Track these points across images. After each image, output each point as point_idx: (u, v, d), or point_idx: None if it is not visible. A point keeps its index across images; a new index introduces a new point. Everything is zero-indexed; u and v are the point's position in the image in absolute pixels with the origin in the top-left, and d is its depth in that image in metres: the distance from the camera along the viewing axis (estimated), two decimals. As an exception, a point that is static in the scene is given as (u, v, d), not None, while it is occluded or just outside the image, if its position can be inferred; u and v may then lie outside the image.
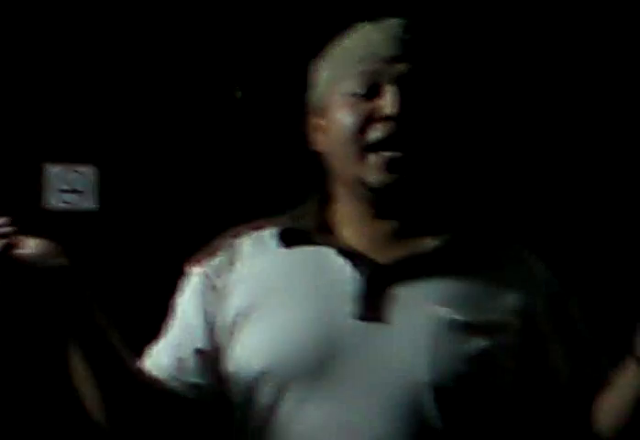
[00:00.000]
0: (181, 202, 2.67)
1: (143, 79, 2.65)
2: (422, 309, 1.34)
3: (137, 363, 1.40)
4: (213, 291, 1.41)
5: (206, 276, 1.42)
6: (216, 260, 1.43)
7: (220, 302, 1.40)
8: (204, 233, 2.60)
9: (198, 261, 1.44)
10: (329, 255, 1.39)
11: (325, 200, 1.46)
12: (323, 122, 1.42)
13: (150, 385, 1.37)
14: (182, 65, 2.67)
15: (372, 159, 1.36)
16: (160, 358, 1.41)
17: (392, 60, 1.37)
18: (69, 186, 2.61)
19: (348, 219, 1.42)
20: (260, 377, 1.33)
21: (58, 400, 2.42)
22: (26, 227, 2.50)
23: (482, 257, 1.40)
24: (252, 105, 2.65)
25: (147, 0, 2.64)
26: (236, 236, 1.45)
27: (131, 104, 2.64)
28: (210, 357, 1.39)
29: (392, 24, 1.41)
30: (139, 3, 2.63)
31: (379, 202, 1.39)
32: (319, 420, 1.31)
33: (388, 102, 1.35)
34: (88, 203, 2.63)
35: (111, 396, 1.33)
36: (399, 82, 1.36)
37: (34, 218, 2.53)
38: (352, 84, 1.37)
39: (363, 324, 1.33)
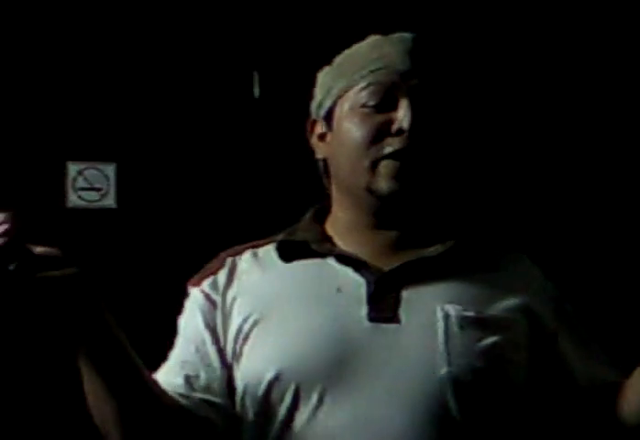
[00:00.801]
0: (199, 199, 2.68)
1: (162, 78, 2.66)
2: (432, 308, 1.36)
3: (150, 373, 1.38)
4: (214, 308, 1.41)
5: (206, 294, 1.42)
6: (215, 278, 1.43)
7: (223, 318, 1.41)
8: (221, 231, 2.64)
9: (197, 281, 1.44)
10: (331, 263, 1.41)
11: (324, 211, 1.48)
12: (329, 130, 1.44)
13: (164, 398, 1.35)
14: (201, 64, 2.69)
15: (384, 167, 1.37)
16: (170, 376, 1.40)
17: (406, 74, 1.38)
18: (89, 184, 2.63)
19: (349, 229, 1.44)
20: (276, 382, 1.33)
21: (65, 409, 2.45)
22: (46, 225, 2.54)
23: (483, 261, 1.42)
24: (270, 105, 2.66)
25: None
26: (233, 254, 1.46)
27: (150, 102, 2.66)
28: (219, 373, 1.39)
29: (405, 38, 1.43)
30: (161, 2, 2.64)
31: (385, 210, 1.41)
32: (343, 420, 1.31)
33: (403, 116, 1.36)
34: (108, 201, 2.65)
35: (127, 408, 1.30)
36: (412, 96, 1.38)
37: (55, 216, 2.58)
38: (364, 95, 1.39)
39: (377, 326, 1.35)
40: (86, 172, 2.63)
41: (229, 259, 1.45)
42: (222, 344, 1.40)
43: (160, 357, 1.44)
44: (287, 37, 2.68)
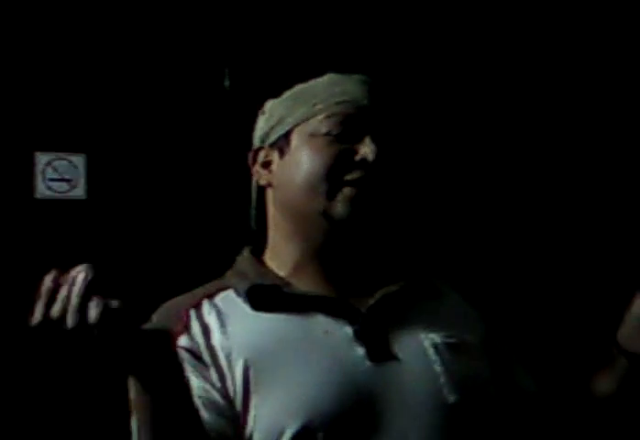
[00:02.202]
0: (169, 190, 2.67)
1: (131, 67, 2.65)
2: (417, 339, 1.40)
3: None
4: (204, 366, 1.36)
5: (189, 351, 1.37)
6: (190, 334, 1.38)
7: (219, 376, 1.36)
8: (191, 221, 2.64)
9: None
10: (307, 307, 1.40)
11: (258, 254, 1.48)
12: (277, 157, 1.46)
13: None
14: (170, 54, 2.68)
15: (343, 193, 1.39)
16: None
17: (368, 109, 1.43)
18: (58, 175, 2.62)
19: (299, 266, 1.44)
20: (303, 434, 1.31)
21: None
22: (15, 216, 2.53)
23: (430, 293, 1.48)
24: (241, 96, 2.66)
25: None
26: (194, 306, 1.42)
27: (119, 92, 2.65)
28: (235, 426, 1.35)
29: (363, 79, 1.48)
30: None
31: (339, 236, 1.42)
32: None
33: (368, 147, 1.40)
34: (77, 191, 2.63)
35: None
36: (374, 130, 1.42)
37: (24, 207, 2.57)
38: (326, 124, 1.42)
39: (379, 365, 1.37)
40: (55, 163, 2.62)
41: (192, 312, 1.41)
42: (228, 399, 1.35)
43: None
44: (258, 31, 2.69)
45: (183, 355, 1.36)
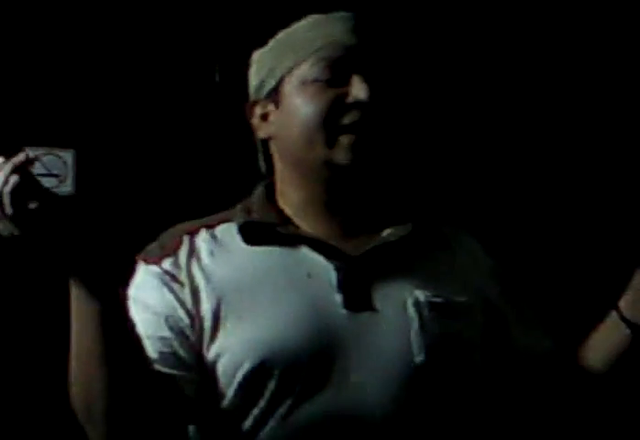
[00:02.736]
0: (159, 186, 2.66)
1: (121, 62, 2.65)
2: (402, 294, 1.38)
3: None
4: (182, 287, 1.38)
5: (171, 274, 1.38)
6: (176, 258, 1.40)
7: (193, 298, 1.37)
8: (181, 217, 2.62)
9: (156, 259, 1.40)
10: (299, 247, 1.40)
11: (272, 191, 1.47)
12: (275, 108, 1.44)
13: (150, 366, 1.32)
14: (160, 49, 2.68)
15: (343, 139, 1.38)
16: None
17: (354, 49, 1.41)
18: (47, 170, 2.60)
19: (304, 209, 1.43)
20: (259, 370, 1.32)
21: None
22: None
23: (436, 241, 1.45)
24: (231, 90, 2.64)
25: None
26: (189, 232, 1.43)
27: (109, 87, 2.64)
28: (194, 350, 1.36)
29: (347, 16, 1.45)
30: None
31: (342, 183, 1.41)
32: (325, 407, 1.32)
33: (359, 88, 1.38)
34: (66, 187, 2.62)
35: (120, 369, 1.26)
36: (364, 70, 1.39)
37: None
38: (315, 70, 1.40)
39: (354, 314, 1.36)
40: (44, 158, 2.60)
41: (186, 238, 1.42)
42: (196, 323, 1.36)
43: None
44: (248, 26, 2.68)
45: (160, 274, 1.38)
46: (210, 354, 1.35)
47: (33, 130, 2.61)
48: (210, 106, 2.69)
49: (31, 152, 2.53)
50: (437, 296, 1.38)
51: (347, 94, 1.38)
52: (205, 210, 2.53)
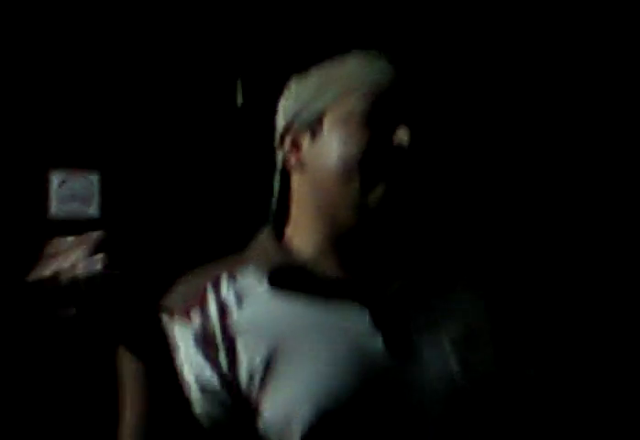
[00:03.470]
0: (184, 209, 2.67)
1: (144, 85, 2.66)
2: (436, 331, 1.37)
3: None
4: (213, 345, 1.33)
5: (202, 328, 1.34)
6: (206, 316, 1.35)
7: (229, 357, 1.32)
8: (206, 239, 2.63)
9: (183, 311, 1.35)
10: (328, 290, 1.36)
11: (280, 232, 1.43)
12: (309, 138, 1.40)
13: None
14: (184, 72, 2.69)
15: (381, 185, 1.34)
16: None
17: (401, 89, 1.38)
18: (72, 193, 2.61)
19: (325, 251, 1.39)
20: (312, 422, 1.29)
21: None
22: (29, 236, 2.52)
23: (443, 285, 1.43)
24: (253, 113, 2.65)
25: (147, 7, 2.65)
26: (213, 282, 1.38)
27: (133, 110, 2.65)
28: (236, 410, 1.32)
29: (389, 58, 1.42)
30: (139, 11, 2.64)
31: (368, 226, 1.37)
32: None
33: (404, 134, 1.35)
34: (91, 210, 2.63)
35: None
36: (409, 115, 1.37)
37: (38, 226, 2.56)
38: (360, 105, 1.36)
39: (396, 358, 1.34)
40: (69, 181, 2.61)
41: (211, 290, 1.37)
42: (233, 386, 1.31)
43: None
44: (271, 45, 2.68)
45: (192, 332, 1.33)
46: (259, 410, 1.31)
47: (58, 152, 2.62)
48: (232, 127, 2.69)
49: (56, 174, 2.56)
50: (464, 331, 1.37)
51: (389, 135, 1.35)
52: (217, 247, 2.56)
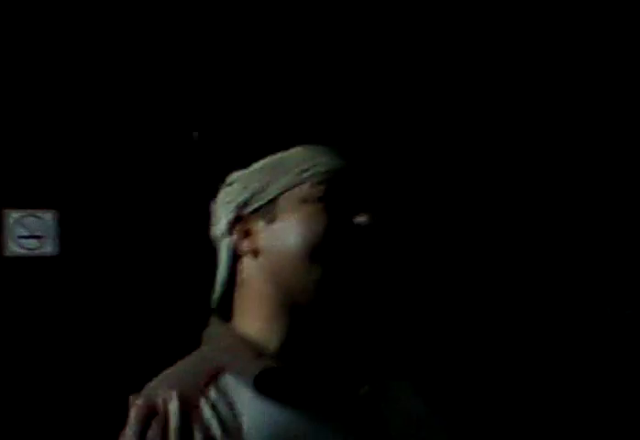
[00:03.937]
0: (141, 247, 2.66)
1: (100, 123, 2.66)
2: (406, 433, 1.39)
3: None
4: None
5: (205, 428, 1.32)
6: (205, 425, 1.32)
7: None
8: (164, 278, 2.62)
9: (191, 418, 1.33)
10: (306, 390, 1.35)
11: (226, 316, 1.43)
12: (263, 224, 1.40)
13: None
14: (140, 110, 2.69)
15: (342, 269, 1.35)
16: None
17: (355, 177, 1.41)
18: (29, 232, 2.60)
19: (290, 341, 1.38)
20: None
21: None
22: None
23: (401, 392, 1.45)
24: (209, 148, 2.66)
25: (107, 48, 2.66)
26: (202, 391, 1.33)
27: (89, 148, 2.65)
28: None
29: (336, 150, 1.45)
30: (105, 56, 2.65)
31: (327, 310, 1.37)
32: None
33: (363, 216, 1.37)
34: (49, 248, 2.62)
35: None
36: (365, 197, 1.40)
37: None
38: (314, 192, 1.38)
39: None
40: (25, 220, 2.60)
41: (203, 401, 1.33)
42: None
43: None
44: (227, 80, 2.70)
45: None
46: None
47: (13, 192, 2.61)
48: (189, 166, 2.70)
49: (13, 214, 2.55)
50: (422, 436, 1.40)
51: (348, 219, 1.36)
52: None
